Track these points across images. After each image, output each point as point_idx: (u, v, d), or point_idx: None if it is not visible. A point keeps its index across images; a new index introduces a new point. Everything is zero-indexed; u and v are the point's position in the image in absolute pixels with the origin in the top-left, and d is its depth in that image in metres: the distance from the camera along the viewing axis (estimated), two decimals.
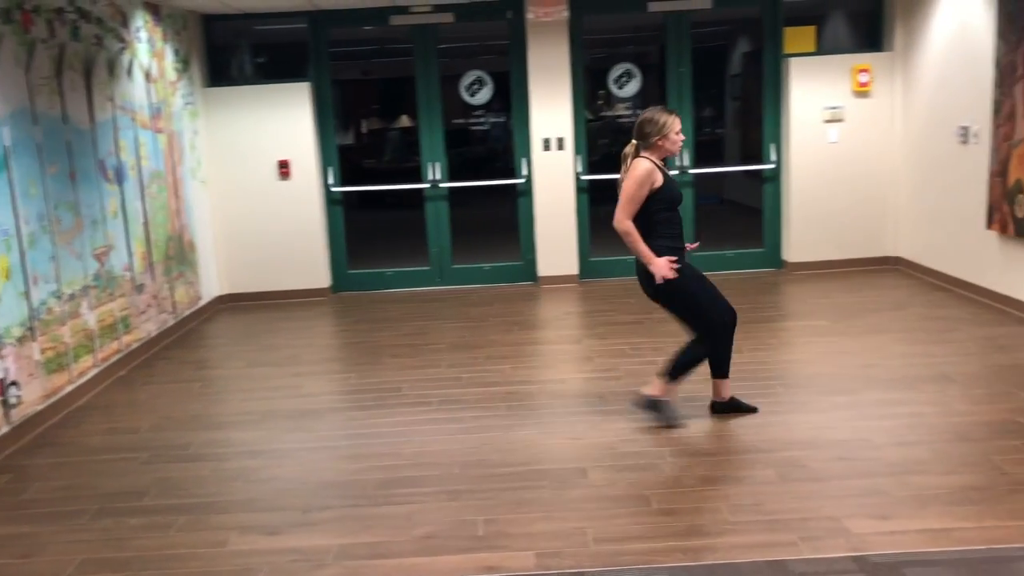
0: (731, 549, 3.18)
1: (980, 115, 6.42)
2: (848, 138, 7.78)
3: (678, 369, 4.41)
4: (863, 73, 7.67)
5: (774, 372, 5.22)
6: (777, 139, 8.06)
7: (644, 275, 4.37)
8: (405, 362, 5.83)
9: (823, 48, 7.92)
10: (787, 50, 7.85)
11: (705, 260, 8.15)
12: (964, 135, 6.66)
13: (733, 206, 10.86)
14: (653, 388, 4.46)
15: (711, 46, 11.26)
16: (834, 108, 7.75)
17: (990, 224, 6.35)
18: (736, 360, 5.40)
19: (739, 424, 4.39)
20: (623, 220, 4.30)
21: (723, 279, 7.83)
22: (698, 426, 4.39)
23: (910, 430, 4.20)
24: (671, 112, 4.42)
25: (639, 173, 4.28)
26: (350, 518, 3.60)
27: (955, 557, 3.04)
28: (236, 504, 3.81)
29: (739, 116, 11.35)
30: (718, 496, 3.61)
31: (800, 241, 7.98)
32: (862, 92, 7.73)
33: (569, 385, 5.19)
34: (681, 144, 4.47)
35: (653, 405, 4.44)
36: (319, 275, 8.04)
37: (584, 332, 6.42)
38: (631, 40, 10.24)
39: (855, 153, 7.80)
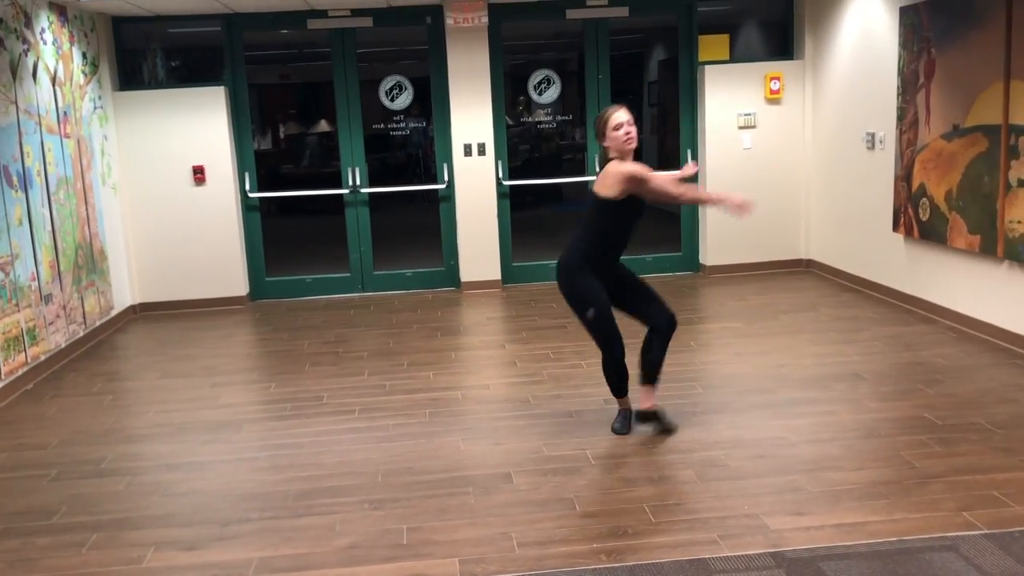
0: (654, 549, 3.23)
1: (885, 122, 6.67)
2: (761, 144, 8.00)
3: (618, 383, 4.39)
4: (775, 81, 7.89)
5: (694, 373, 5.32)
6: (693, 145, 8.23)
7: (565, 274, 4.30)
8: (326, 370, 5.75)
9: (736, 56, 8.12)
10: (702, 58, 8.02)
11: (625, 264, 8.25)
12: (871, 141, 6.92)
13: (652, 211, 10.98)
14: (643, 401, 4.44)
15: (629, 53, 11.43)
16: (747, 115, 7.95)
17: (896, 227, 6.60)
18: None
19: (660, 426, 4.45)
20: (674, 189, 4.20)
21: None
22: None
23: (823, 427, 4.33)
24: (615, 106, 4.19)
25: (615, 170, 4.08)
26: (271, 530, 3.53)
27: (868, 550, 3.14)
28: (152, 519, 3.70)
29: (657, 122, 11.53)
30: (640, 497, 3.66)
31: (716, 245, 8.16)
32: (774, 99, 7.96)
33: (493, 391, 5.19)
34: (627, 141, 4.10)
35: (648, 417, 4.43)
36: (236, 283, 7.88)
37: (507, 337, 6.44)
38: (551, 46, 10.32)
39: (768, 159, 8.02)
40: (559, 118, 8.50)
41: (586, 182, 8.21)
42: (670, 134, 8.89)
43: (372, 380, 5.46)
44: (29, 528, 3.65)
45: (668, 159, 9.70)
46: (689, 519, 3.45)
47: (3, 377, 5.37)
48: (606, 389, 5.04)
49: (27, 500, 3.94)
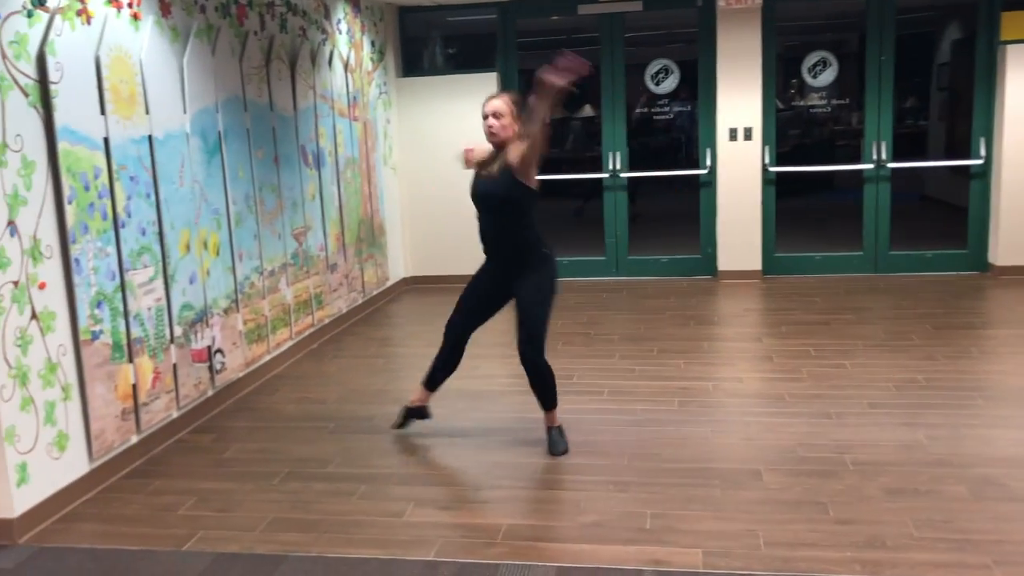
0: (915, 566, 3.00)
1: None
2: None
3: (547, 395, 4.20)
4: None
5: (974, 383, 4.86)
6: (988, 133, 7.47)
7: None
8: (577, 351, 5.86)
9: None
10: (1004, 36, 7.24)
11: (901, 261, 7.70)
12: None
13: (934, 203, 10.18)
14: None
15: (917, 32, 10.58)
16: None
17: None
18: (930, 367, 5.09)
19: (929, 436, 4.12)
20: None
21: (920, 281, 7.38)
22: (881, 435, 4.16)
23: None
24: (495, 94, 4.06)
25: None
26: (519, 499, 3.67)
27: None
28: (413, 477, 3.97)
29: (945, 108, 10.60)
30: (902, 509, 3.41)
31: (1010, 243, 7.37)
32: None
33: (746, 384, 5.05)
34: (489, 135, 3.96)
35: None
36: None
37: (765, 330, 6.22)
38: (828, 27, 9.79)
39: None
40: (834, 102, 8.04)
41: (861, 170, 7.72)
42: (960, 120, 8.13)
43: (622, 364, 5.49)
44: (308, 474, 4.05)
45: (957, 147, 8.90)
46: (958, 539, 3.17)
47: (293, 336, 5.97)
48: (872, 392, 4.75)
49: (308, 448, 4.36)
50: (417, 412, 4.48)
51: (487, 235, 4.09)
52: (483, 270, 4.23)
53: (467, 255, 8.19)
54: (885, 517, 3.36)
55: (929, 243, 7.91)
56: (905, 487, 3.61)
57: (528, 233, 4.02)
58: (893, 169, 7.63)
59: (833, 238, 8.28)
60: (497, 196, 3.98)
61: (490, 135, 3.98)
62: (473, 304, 4.27)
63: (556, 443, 4.12)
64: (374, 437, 4.46)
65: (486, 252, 4.17)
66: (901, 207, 7.92)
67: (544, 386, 4.13)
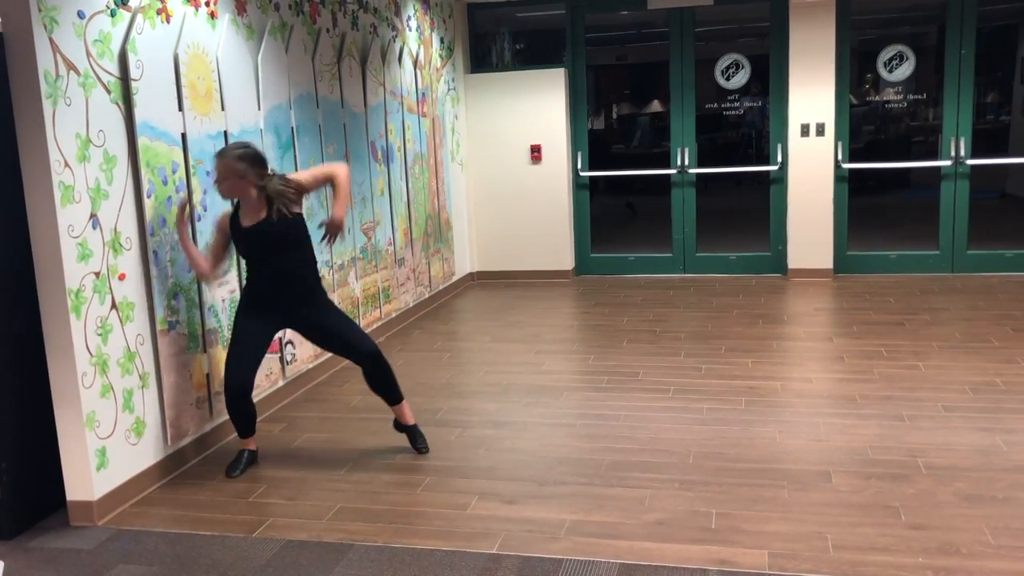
0: (991, 575, 2.91)
1: None
2: None
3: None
4: None
5: None
6: None
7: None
8: (643, 348, 5.82)
9: None
10: None
11: (979, 260, 7.47)
12: None
13: (1015, 201, 9.84)
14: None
15: (1000, 25, 10.23)
16: None
17: None
18: (1010, 370, 4.93)
19: (1008, 441, 3.99)
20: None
21: (999, 281, 7.15)
22: (956, 439, 4.05)
23: None
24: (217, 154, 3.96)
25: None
26: (583, 495, 3.67)
27: None
28: (478, 471, 4.00)
29: None
30: (978, 516, 3.32)
31: None
32: None
33: (816, 385, 4.96)
34: (222, 192, 3.96)
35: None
36: (563, 257, 8.20)
37: (835, 330, 6.09)
38: (906, 20, 9.54)
39: None
40: (911, 97, 7.83)
41: (939, 167, 7.50)
42: None
43: (688, 362, 5.44)
44: (375, 465, 4.11)
45: None
46: None
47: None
48: (947, 394, 4.64)
49: (375, 440, 4.42)
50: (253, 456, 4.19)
51: (284, 273, 3.98)
52: (255, 313, 4.00)
53: (531, 250, 8.25)
54: (960, 523, 3.27)
55: (1009, 242, 7.65)
56: (982, 493, 3.51)
57: (314, 265, 4.13)
58: (972, 166, 7.40)
59: (908, 236, 8.06)
60: (292, 237, 4.02)
61: (224, 195, 4.02)
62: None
63: (419, 437, 4.27)
64: (440, 430, 4.51)
65: (274, 291, 3.99)
66: (980, 205, 7.68)
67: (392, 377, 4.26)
